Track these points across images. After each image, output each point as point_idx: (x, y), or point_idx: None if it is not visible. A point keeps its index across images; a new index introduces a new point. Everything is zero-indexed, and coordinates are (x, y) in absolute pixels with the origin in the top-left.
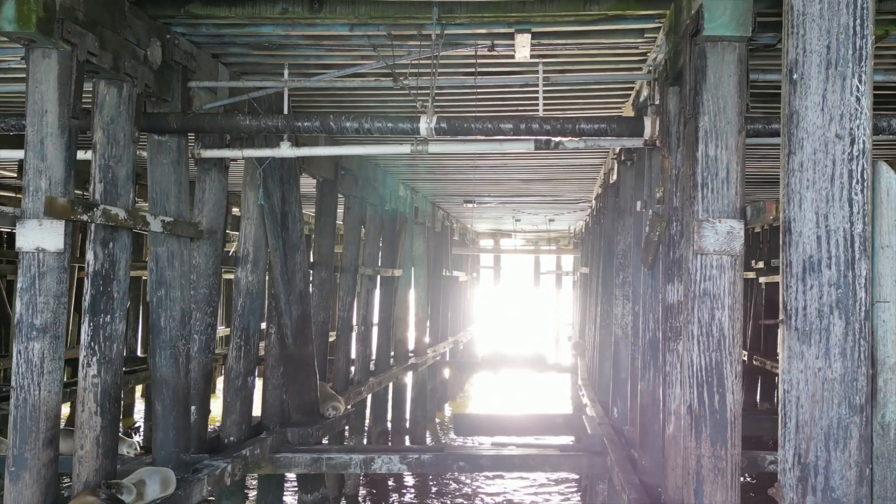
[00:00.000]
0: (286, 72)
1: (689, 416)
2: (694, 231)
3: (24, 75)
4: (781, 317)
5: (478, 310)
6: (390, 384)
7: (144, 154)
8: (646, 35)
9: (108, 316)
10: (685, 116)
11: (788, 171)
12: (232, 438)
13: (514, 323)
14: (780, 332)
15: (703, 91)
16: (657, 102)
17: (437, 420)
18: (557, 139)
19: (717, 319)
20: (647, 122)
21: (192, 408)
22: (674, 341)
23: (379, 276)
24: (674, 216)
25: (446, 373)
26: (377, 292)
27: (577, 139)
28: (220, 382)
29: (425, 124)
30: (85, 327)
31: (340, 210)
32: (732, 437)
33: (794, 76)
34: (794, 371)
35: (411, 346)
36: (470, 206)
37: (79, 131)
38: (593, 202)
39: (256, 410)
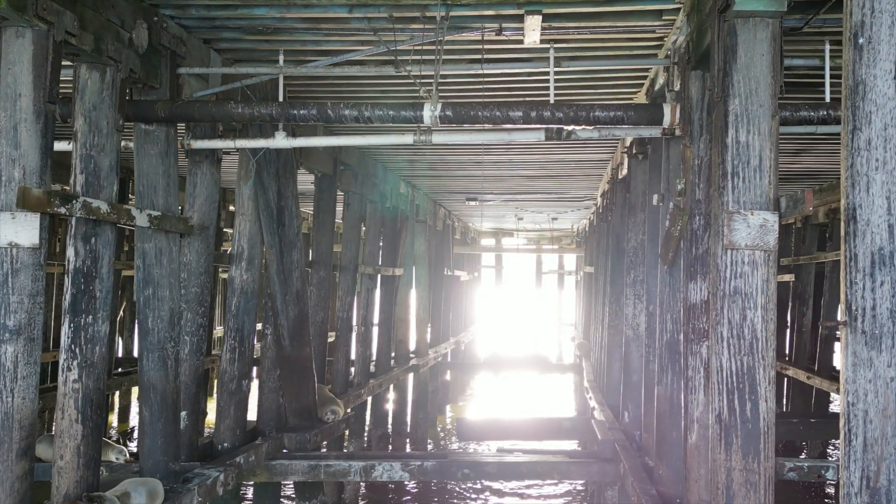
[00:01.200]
0: (281, 58)
1: (718, 425)
2: (723, 224)
3: None
4: (844, 318)
5: (479, 310)
6: (391, 386)
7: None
8: (664, 17)
9: (90, 316)
10: (713, 100)
11: (853, 150)
12: (226, 445)
13: (515, 323)
14: (842, 335)
15: (733, 72)
16: (677, 88)
17: (439, 424)
18: (570, 128)
19: (749, 320)
20: (667, 109)
21: (183, 413)
22: (697, 343)
23: (379, 276)
24: (696, 209)
25: (448, 374)
26: (377, 292)
27: (590, 128)
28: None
29: (429, 112)
30: (65, 329)
31: (340, 207)
32: (766, 449)
33: (860, 40)
34: (860, 381)
35: (412, 346)
36: (472, 203)
37: (56, 118)
38: (599, 199)
39: (252, 415)
